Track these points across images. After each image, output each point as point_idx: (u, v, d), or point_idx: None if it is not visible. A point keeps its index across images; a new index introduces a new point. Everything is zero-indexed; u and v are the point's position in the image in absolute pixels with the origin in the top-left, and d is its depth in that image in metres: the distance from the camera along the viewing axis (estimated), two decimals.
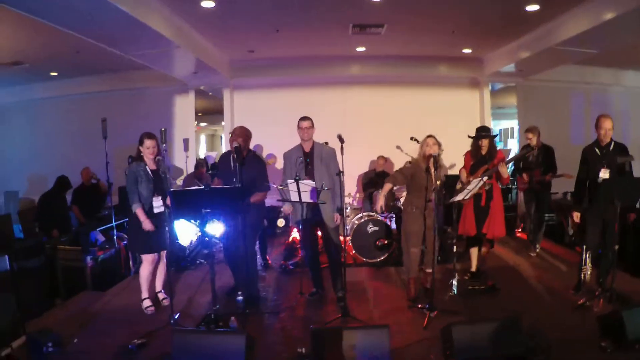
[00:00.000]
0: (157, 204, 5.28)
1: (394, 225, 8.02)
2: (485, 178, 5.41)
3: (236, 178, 5.16)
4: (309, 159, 5.59)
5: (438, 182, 5.47)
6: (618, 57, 10.63)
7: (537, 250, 7.70)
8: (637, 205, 5.65)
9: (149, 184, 5.24)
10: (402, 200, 8.13)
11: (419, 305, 5.35)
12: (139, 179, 5.22)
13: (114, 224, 7.17)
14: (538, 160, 7.43)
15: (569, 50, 8.40)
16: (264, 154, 9.23)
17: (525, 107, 11.45)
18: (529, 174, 7.49)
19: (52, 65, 10.39)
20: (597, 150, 5.59)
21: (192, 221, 7.60)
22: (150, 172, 5.28)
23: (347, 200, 7.86)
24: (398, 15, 7.73)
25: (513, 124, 11.78)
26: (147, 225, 5.20)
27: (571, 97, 12.33)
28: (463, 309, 5.29)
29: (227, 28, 8.18)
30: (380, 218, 7.43)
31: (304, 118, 5.59)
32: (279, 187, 5.40)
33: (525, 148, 7.31)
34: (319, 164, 5.55)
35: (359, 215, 7.65)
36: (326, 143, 6.19)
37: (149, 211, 5.26)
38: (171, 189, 4.77)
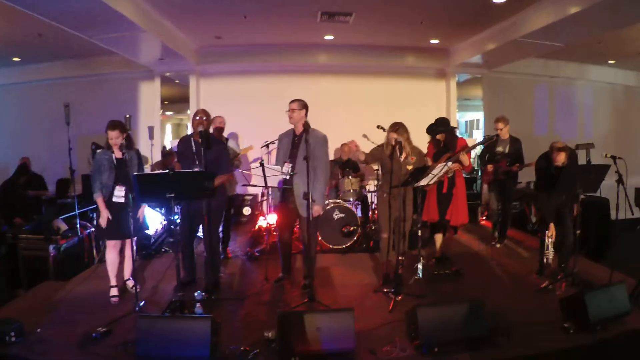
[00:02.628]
0: (118, 194, 5.20)
1: (359, 213, 8.09)
2: (449, 163, 5.48)
3: (200, 162, 5.09)
4: (297, 142, 5.47)
5: (409, 167, 5.52)
6: (582, 52, 10.88)
7: (498, 244, 7.63)
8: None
9: (111, 173, 5.19)
10: (367, 188, 8.29)
11: (385, 290, 5.42)
12: (101, 167, 5.18)
13: (77, 212, 7.03)
14: (506, 151, 7.36)
15: (534, 42, 8.52)
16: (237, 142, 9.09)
17: (490, 99, 11.59)
18: (495, 165, 7.39)
19: (14, 50, 10.14)
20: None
21: (157, 209, 7.65)
22: (114, 160, 5.21)
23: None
24: (366, 4, 7.74)
25: (479, 115, 11.95)
26: (103, 218, 5.19)
27: (536, 90, 12.55)
28: (428, 293, 5.36)
29: (194, 12, 8.04)
30: (346, 205, 7.47)
31: (292, 100, 5.49)
32: (243, 171, 5.38)
33: (489, 136, 7.33)
34: (304, 149, 5.27)
35: (325, 202, 7.64)
36: None
37: (108, 200, 5.20)
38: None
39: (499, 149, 7.39)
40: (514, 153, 7.34)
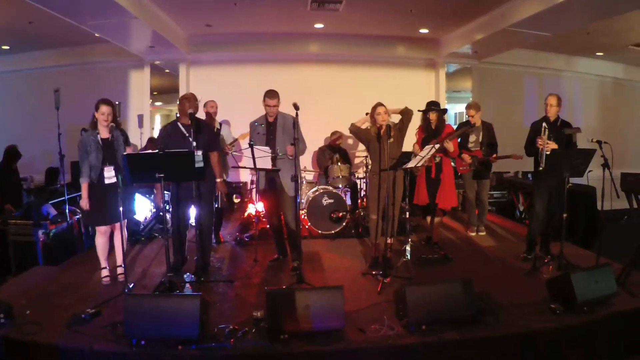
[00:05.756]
0: (109, 174, 5.12)
1: (349, 201, 8.14)
2: (437, 145, 5.55)
3: (195, 144, 4.94)
4: (272, 129, 5.61)
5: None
6: (571, 43, 10.96)
7: (482, 232, 7.62)
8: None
9: (98, 154, 5.09)
10: (357, 174, 8.34)
11: (373, 272, 5.47)
12: (88, 148, 5.07)
13: (66, 197, 7.01)
14: (480, 139, 7.33)
15: (522, 32, 8.57)
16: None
17: (480, 89, 11.67)
18: (470, 155, 7.25)
19: (3, 38, 10.10)
20: (544, 124, 5.81)
21: (147, 196, 7.65)
22: (100, 141, 5.12)
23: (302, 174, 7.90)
24: None
25: None
26: (84, 203, 5.14)
27: (525, 81, 12.66)
28: (416, 276, 5.42)
29: None
30: (335, 191, 7.52)
31: (271, 95, 5.54)
32: (233, 153, 5.39)
33: (464, 124, 7.30)
34: (281, 133, 5.57)
35: (315, 188, 7.71)
36: None
37: (98, 181, 5.12)
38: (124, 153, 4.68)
39: (472, 137, 7.38)
40: (488, 139, 7.35)
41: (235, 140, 7.44)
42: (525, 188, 8.81)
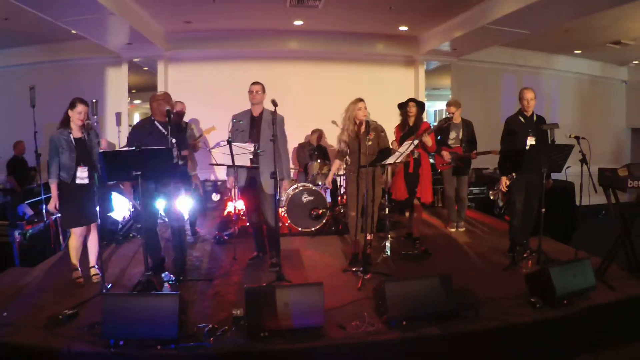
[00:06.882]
0: (82, 175, 5.01)
1: (329, 198, 8.14)
2: (416, 141, 5.53)
3: (172, 143, 4.93)
4: (256, 124, 5.56)
5: (369, 143, 5.54)
6: (549, 41, 11.04)
7: (462, 229, 7.66)
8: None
9: (71, 153, 4.98)
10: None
11: (353, 269, 5.48)
12: (60, 148, 4.95)
13: (42, 197, 6.92)
14: (460, 136, 7.42)
15: (501, 29, 8.61)
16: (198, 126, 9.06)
17: (458, 87, 11.73)
18: (450, 151, 7.34)
19: None
20: (521, 119, 5.83)
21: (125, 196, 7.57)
22: (73, 140, 5.01)
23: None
24: None
25: None
26: (52, 204, 5.02)
27: (503, 79, 12.74)
28: (396, 272, 5.45)
29: None
30: (315, 188, 7.53)
31: (255, 82, 5.60)
32: (211, 149, 5.34)
33: (444, 119, 7.38)
34: (266, 129, 5.48)
35: (294, 186, 7.70)
36: None
37: (71, 181, 5.01)
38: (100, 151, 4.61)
39: (453, 134, 7.43)
40: (468, 136, 7.42)
41: (201, 135, 7.44)
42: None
